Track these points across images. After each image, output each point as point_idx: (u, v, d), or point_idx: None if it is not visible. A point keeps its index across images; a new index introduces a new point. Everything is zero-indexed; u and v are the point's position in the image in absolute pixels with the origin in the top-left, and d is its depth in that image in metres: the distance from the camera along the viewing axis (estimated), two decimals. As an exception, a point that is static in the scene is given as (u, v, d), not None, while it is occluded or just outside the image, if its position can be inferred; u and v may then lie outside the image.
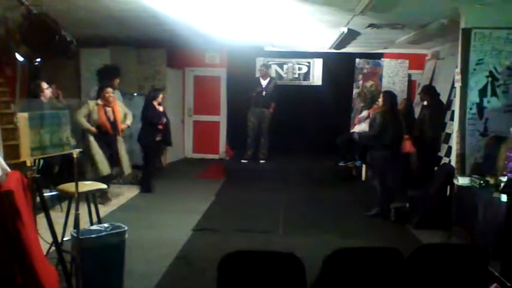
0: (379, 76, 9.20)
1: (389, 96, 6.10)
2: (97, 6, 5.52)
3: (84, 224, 4.06)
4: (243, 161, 8.57)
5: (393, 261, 2.51)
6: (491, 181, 4.53)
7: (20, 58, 3.44)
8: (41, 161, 5.30)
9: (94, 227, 3.79)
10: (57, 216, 4.66)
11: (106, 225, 3.78)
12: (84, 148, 6.91)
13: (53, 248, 3.56)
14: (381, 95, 6.19)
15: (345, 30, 6.64)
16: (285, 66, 9.82)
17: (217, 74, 9.98)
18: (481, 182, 4.59)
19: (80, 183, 3.74)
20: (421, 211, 5.52)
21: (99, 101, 6.17)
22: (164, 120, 7.10)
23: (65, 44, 3.34)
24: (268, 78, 8.57)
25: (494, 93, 5.17)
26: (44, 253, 3.45)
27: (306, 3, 5.14)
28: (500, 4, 5.01)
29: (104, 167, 6.12)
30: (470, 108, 5.17)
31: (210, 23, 6.55)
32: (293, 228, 5.51)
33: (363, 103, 8.89)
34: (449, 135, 6.67)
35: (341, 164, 8.40)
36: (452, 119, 6.41)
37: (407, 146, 6.59)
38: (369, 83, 9.14)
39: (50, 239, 3.47)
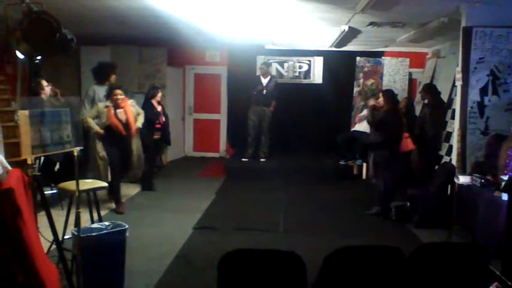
0: (379, 74, 9.19)
1: (391, 95, 6.09)
2: (98, 4, 5.52)
3: (85, 222, 4.07)
4: (243, 159, 8.57)
5: (394, 260, 2.51)
6: (492, 180, 4.53)
7: (20, 56, 3.44)
8: (42, 159, 5.31)
9: (95, 226, 3.79)
10: (58, 214, 4.66)
11: (107, 223, 3.79)
12: (90, 150, 6.92)
13: (54, 246, 3.56)
14: (381, 94, 6.17)
15: (346, 28, 6.63)
16: (286, 65, 9.81)
17: (218, 72, 9.97)
18: (482, 180, 4.59)
19: (80, 181, 3.74)
20: (421, 210, 5.51)
21: (109, 103, 5.82)
22: (162, 118, 7.09)
23: (65, 42, 3.34)
24: (269, 77, 8.56)
25: (495, 92, 5.16)
26: (45, 251, 3.46)
27: (307, 1, 5.13)
28: (501, 2, 5.01)
29: (105, 174, 5.82)
30: (471, 107, 5.17)
31: (211, 21, 6.55)
32: (293, 226, 5.51)
33: (364, 102, 8.88)
34: (450, 134, 6.67)
35: (342, 162, 8.39)
36: (453, 117, 6.41)
37: (408, 144, 6.58)
38: (370, 82, 9.14)
39: (50, 237, 3.47)
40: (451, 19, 5.59)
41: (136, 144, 6.06)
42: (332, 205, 6.52)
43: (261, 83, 8.50)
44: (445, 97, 7.24)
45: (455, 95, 5.92)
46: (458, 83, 5.30)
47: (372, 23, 6.36)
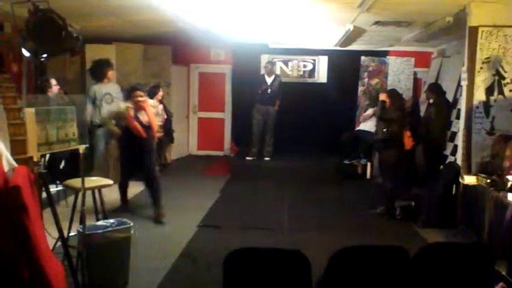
0: (384, 74, 9.17)
1: (396, 94, 6.09)
2: (103, 2, 5.53)
3: (90, 219, 4.08)
4: (247, 158, 8.57)
5: (399, 260, 2.51)
6: (498, 180, 4.51)
7: (26, 54, 3.45)
8: (47, 156, 5.33)
9: (100, 223, 3.81)
10: (63, 211, 4.67)
11: (112, 221, 3.80)
12: (94, 148, 6.92)
13: (59, 243, 3.58)
14: (385, 94, 6.12)
15: (351, 27, 6.61)
16: (290, 64, 9.80)
17: (222, 70, 9.98)
18: (488, 181, 4.57)
19: (86, 179, 3.75)
20: (426, 210, 5.50)
21: (129, 104, 5.51)
22: (164, 117, 7.11)
23: (71, 40, 3.34)
24: (273, 76, 8.56)
25: (501, 92, 5.13)
26: (50, 248, 3.47)
27: (312, 0, 5.12)
28: (508, 2, 4.98)
29: (114, 175, 5.74)
30: (477, 107, 5.14)
31: (216, 20, 6.54)
32: (298, 225, 5.51)
33: (368, 101, 8.87)
34: (455, 134, 6.65)
35: (346, 161, 8.38)
36: (458, 117, 6.39)
37: (408, 143, 6.58)
38: (375, 81, 9.12)
39: (56, 235, 3.49)
40: (457, 18, 5.57)
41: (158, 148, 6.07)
42: (336, 204, 6.52)
43: (265, 82, 8.50)
44: (450, 97, 7.21)
45: (461, 95, 5.89)
46: (464, 83, 5.28)
47: (377, 22, 6.34)
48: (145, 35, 8.09)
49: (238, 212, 6.02)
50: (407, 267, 2.52)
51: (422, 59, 9.21)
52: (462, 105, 5.35)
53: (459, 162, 5.34)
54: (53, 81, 6.17)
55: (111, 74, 7.07)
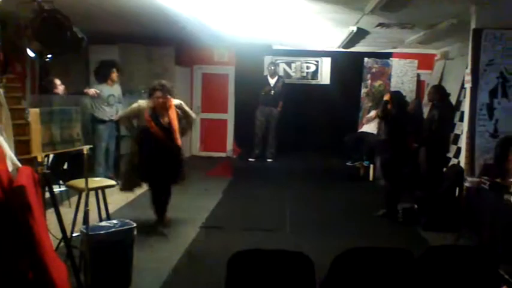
0: (387, 76, 9.16)
1: (399, 97, 6.08)
2: (107, 3, 5.54)
3: (93, 220, 4.09)
4: (250, 159, 8.58)
5: (403, 263, 2.50)
6: (501, 183, 4.49)
7: (31, 54, 3.46)
8: (51, 156, 5.34)
9: (103, 223, 3.81)
10: (66, 212, 4.68)
11: (115, 221, 3.80)
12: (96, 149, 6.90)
13: (62, 243, 3.58)
14: (387, 96, 6.11)
15: (354, 29, 6.62)
16: (293, 65, 9.81)
17: (226, 72, 9.99)
18: (491, 183, 4.56)
19: (89, 179, 3.76)
20: (429, 212, 5.49)
21: (149, 103, 5.04)
22: None
23: (76, 40, 3.35)
24: (276, 77, 8.57)
25: (504, 94, 5.13)
26: (54, 248, 3.47)
27: (315, 2, 5.13)
28: (512, 4, 4.98)
29: (124, 184, 5.19)
30: (480, 109, 5.13)
31: (219, 21, 6.56)
32: (300, 227, 5.51)
33: (371, 103, 8.86)
34: (458, 136, 6.63)
35: (348, 163, 8.38)
36: (461, 119, 6.38)
37: (410, 145, 6.56)
38: (378, 83, 9.11)
39: (59, 235, 3.49)
40: (461, 20, 5.56)
41: (182, 154, 5.38)
42: (339, 206, 6.51)
43: (268, 83, 8.51)
44: (453, 99, 7.20)
45: (464, 97, 5.88)
46: (468, 85, 5.28)
47: (380, 24, 6.34)
48: (149, 36, 8.11)
49: (241, 213, 6.02)
50: (411, 270, 2.52)
51: (426, 61, 9.20)
52: (466, 107, 5.35)
53: (462, 164, 5.34)
54: (58, 81, 6.21)
55: (115, 75, 7.08)
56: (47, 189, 3.39)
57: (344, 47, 8.51)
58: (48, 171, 3.38)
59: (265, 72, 8.94)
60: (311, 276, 2.43)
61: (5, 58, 6.15)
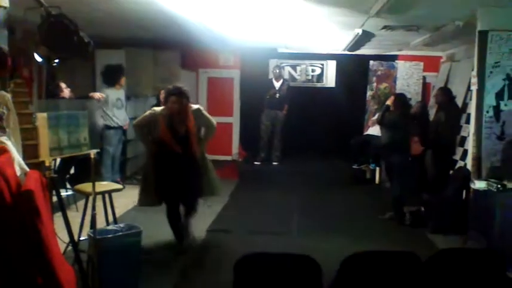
0: (393, 78, 9.14)
1: (403, 99, 6.08)
2: (113, 8, 5.57)
3: (100, 224, 4.11)
4: (256, 163, 8.58)
5: (411, 266, 2.49)
6: (509, 185, 4.47)
7: (38, 59, 3.49)
8: (58, 161, 5.37)
9: (110, 227, 3.83)
10: (73, 216, 4.70)
11: (122, 225, 3.82)
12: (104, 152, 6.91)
13: (70, 247, 3.60)
14: (392, 98, 6.10)
15: (360, 32, 6.61)
16: (299, 68, 9.81)
17: (231, 75, 10.00)
18: (498, 186, 4.54)
19: (96, 183, 3.78)
20: (436, 215, 5.47)
21: (164, 110, 4.51)
22: None
23: (83, 45, 3.38)
24: (281, 80, 8.58)
25: (511, 96, 5.10)
26: (61, 252, 3.49)
27: (320, 5, 5.13)
28: (518, 6, 4.96)
29: (140, 200, 4.65)
30: (487, 111, 5.11)
31: (225, 25, 6.57)
32: (307, 230, 5.50)
33: (377, 105, 8.85)
34: (464, 139, 6.61)
35: (355, 166, 8.36)
36: (468, 122, 6.35)
37: (416, 148, 6.54)
38: (383, 85, 9.09)
39: (66, 239, 3.51)
40: (467, 23, 5.55)
41: (205, 170, 4.77)
42: (345, 209, 6.49)
43: (273, 86, 8.52)
44: (459, 101, 7.18)
45: (470, 99, 5.86)
46: (474, 87, 5.26)
47: (386, 27, 6.33)
48: (155, 40, 8.14)
49: (247, 217, 6.02)
50: (419, 273, 2.51)
51: (432, 64, 9.17)
52: (472, 110, 5.32)
53: (469, 167, 5.31)
54: (63, 85, 6.26)
55: (123, 80, 7.18)
56: (54, 193, 3.41)
57: (349, 50, 8.50)
58: (56, 175, 3.40)
59: (271, 76, 8.94)
60: (318, 280, 2.43)
61: (13, 63, 6.20)
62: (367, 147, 8.16)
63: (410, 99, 8.71)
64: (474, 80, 5.22)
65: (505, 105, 5.10)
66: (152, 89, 8.72)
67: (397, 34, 6.86)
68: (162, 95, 7.40)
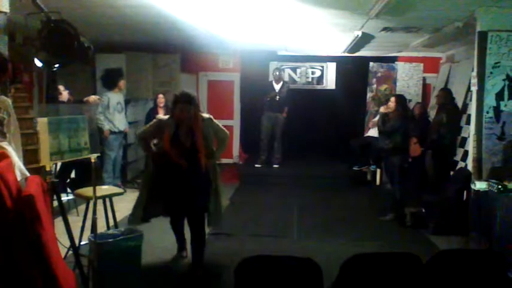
0: (393, 80, 9.15)
1: (403, 100, 6.09)
2: (113, 12, 5.59)
3: (101, 228, 4.11)
4: (256, 165, 8.59)
5: (411, 267, 2.49)
6: (510, 186, 4.47)
7: (39, 64, 3.50)
8: (58, 165, 5.38)
9: (111, 232, 3.83)
10: (74, 220, 4.71)
11: (123, 229, 3.82)
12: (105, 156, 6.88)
13: (71, 251, 3.60)
14: (394, 99, 6.10)
15: (359, 33, 6.62)
16: (299, 70, 9.82)
17: (231, 78, 10.01)
18: (499, 186, 4.53)
19: (97, 187, 3.78)
20: (437, 216, 5.46)
21: (170, 119, 4.08)
22: None
23: (83, 50, 3.39)
24: (281, 82, 8.59)
25: (511, 97, 5.10)
26: (62, 257, 3.49)
27: (320, 7, 5.14)
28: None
29: (134, 218, 4.19)
30: (487, 112, 5.11)
31: (224, 28, 6.59)
32: (308, 232, 5.50)
33: (377, 107, 8.84)
34: (465, 139, 6.60)
35: (355, 168, 8.36)
36: (468, 122, 6.35)
37: (416, 149, 6.54)
38: (383, 87, 9.09)
39: (67, 243, 3.51)
40: (466, 23, 5.55)
41: (216, 185, 4.23)
42: (346, 211, 6.49)
43: (273, 89, 8.53)
44: (459, 102, 7.18)
45: (470, 100, 5.85)
46: (474, 88, 5.26)
47: (385, 29, 6.34)
48: (155, 43, 8.16)
49: (249, 219, 6.01)
50: (420, 275, 2.51)
51: (431, 65, 9.18)
52: (472, 110, 5.32)
53: (470, 167, 5.31)
54: (61, 87, 6.28)
55: (122, 83, 7.20)
56: (55, 197, 3.42)
57: (349, 52, 8.51)
58: (57, 180, 3.41)
59: (271, 78, 8.96)
60: (319, 282, 2.43)
61: (13, 68, 6.22)
62: (367, 148, 8.16)
63: (410, 100, 8.73)
64: (474, 81, 5.22)
65: (505, 105, 5.10)
66: (152, 93, 8.74)
67: (397, 35, 6.87)
68: (160, 99, 7.52)
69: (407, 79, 9.11)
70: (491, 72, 5.08)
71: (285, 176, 8.19)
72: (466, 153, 6.25)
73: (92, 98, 6.79)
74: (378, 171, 8.13)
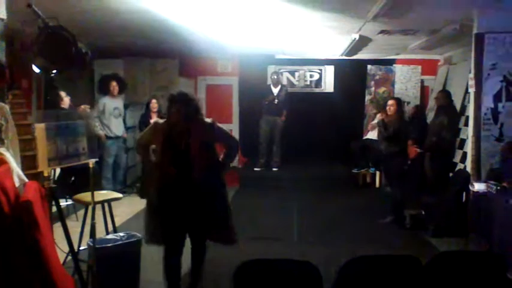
0: (391, 82, 9.16)
1: (400, 104, 6.12)
2: (111, 18, 5.60)
3: (100, 233, 4.10)
4: (255, 169, 8.59)
5: (411, 269, 2.49)
6: (508, 187, 4.47)
7: (36, 70, 3.50)
8: (57, 171, 5.38)
9: (110, 236, 3.83)
10: (73, 225, 4.70)
11: (121, 234, 3.81)
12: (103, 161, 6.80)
13: (70, 257, 3.59)
14: (393, 102, 6.09)
15: (357, 36, 6.64)
16: (297, 74, 9.83)
17: (229, 82, 10.00)
18: (498, 187, 4.53)
19: (95, 192, 3.78)
20: (437, 218, 5.46)
21: (165, 124, 3.53)
22: None
23: (80, 56, 3.40)
24: (280, 86, 8.60)
25: (509, 98, 5.12)
26: (61, 262, 3.49)
27: (317, 10, 5.16)
28: (514, 8, 4.98)
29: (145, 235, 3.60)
30: (485, 113, 5.12)
31: (222, 32, 6.60)
32: (307, 235, 5.49)
33: (376, 110, 8.86)
34: (463, 141, 6.61)
35: (355, 171, 8.36)
36: (466, 124, 6.36)
37: (411, 151, 6.55)
38: (381, 90, 9.11)
39: (66, 249, 3.50)
40: (463, 25, 5.57)
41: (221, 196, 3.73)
42: (345, 214, 6.49)
43: (272, 92, 8.54)
44: (458, 104, 7.19)
45: (468, 102, 5.87)
46: (472, 90, 5.27)
47: (383, 31, 6.36)
48: (152, 48, 8.17)
49: (248, 223, 6.00)
50: (419, 277, 2.50)
51: (429, 67, 9.19)
52: (470, 112, 5.33)
53: (469, 169, 5.31)
54: (63, 94, 6.29)
55: (114, 85, 7.16)
56: (54, 203, 3.42)
57: (347, 55, 8.53)
58: (55, 186, 3.41)
59: (269, 82, 8.97)
60: (318, 286, 2.42)
61: (11, 74, 6.22)
62: (366, 151, 8.16)
63: (409, 102, 8.75)
64: (472, 83, 5.23)
65: (503, 107, 5.11)
66: (151, 98, 8.75)
67: (394, 38, 6.89)
68: (153, 104, 7.49)
69: (406, 81, 9.13)
70: (488, 74, 5.10)
71: (284, 179, 8.18)
72: (464, 154, 6.25)
73: (82, 107, 6.77)
74: (377, 173, 8.14)
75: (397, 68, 9.18)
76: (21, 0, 3.33)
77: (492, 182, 4.71)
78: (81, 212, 4.61)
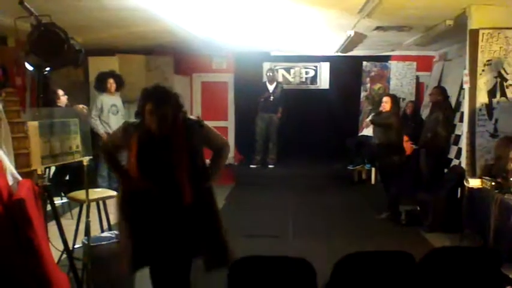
0: (386, 79, 9.18)
1: (396, 100, 6.13)
2: (106, 15, 5.58)
3: (95, 231, 4.09)
4: (251, 166, 8.59)
5: (405, 265, 2.49)
6: (503, 183, 4.48)
7: (29, 68, 3.48)
8: (52, 168, 5.35)
9: (105, 234, 3.81)
10: (68, 223, 4.68)
11: (116, 232, 3.79)
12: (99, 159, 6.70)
13: (64, 255, 3.58)
14: (388, 99, 6.08)
15: (352, 33, 6.64)
16: (292, 71, 9.82)
17: (225, 79, 10.01)
18: (492, 183, 4.55)
19: (90, 190, 3.76)
20: (432, 214, 5.48)
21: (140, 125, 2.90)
22: None
23: (73, 53, 3.37)
24: (275, 83, 8.60)
25: (503, 94, 5.13)
26: (56, 261, 3.47)
27: (312, 7, 5.15)
28: (508, 4, 4.99)
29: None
30: (480, 109, 5.13)
31: (217, 29, 6.59)
32: (303, 232, 5.50)
33: (371, 106, 8.87)
34: (458, 137, 6.63)
35: (350, 167, 8.37)
36: (461, 120, 6.38)
37: (406, 147, 6.56)
38: (377, 86, 9.12)
39: (61, 247, 3.49)
40: (458, 21, 5.58)
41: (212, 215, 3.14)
42: (341, 210, 6.50)
43: (267, 89, 8.54)
44: (452, 100, 7.21)
45: (463, 98, 5.88)
46: (466, 86, 5.28)
47: (378, 28, 6.36)
48: (147, 46, 8.15)
49: (243, 220, 6.01)
50: (414, 273, 2.51)
51: (424, 63, 9.21)
52: (465, 108, 5.35)
53: (463, 165, 5.33)
54: (60, 92, 6.26)
55: (111, 82, 7.12)
56: (48, 201, 3.40)
57: (342, 51, 8.53)
58: (49, 184, 3.39)
59: (264, 79, 8.96)
60: (313, 283, 2.43)
61: (5, 72, 6.18)
62: (362, 147, 8.17)
63: (404, 99, 8.77)
64: (466, 79, 5.24)
65: (497, 102, 5.12)
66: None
67: (390, 34, 6.90)
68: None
69: (401, 78, 9.14)
70: (483, 70, 5.11)
71: (280, 176, 8.19)
72: (459, 150, 6.27)
73: (80, 107, 6.73)
74: (373, 170, 8.15)
75: (392, 64, 9.20)
76: (13, -3, 3.30)
77: (487, 177, 4.72)
78: (76, 210, 4.59)
